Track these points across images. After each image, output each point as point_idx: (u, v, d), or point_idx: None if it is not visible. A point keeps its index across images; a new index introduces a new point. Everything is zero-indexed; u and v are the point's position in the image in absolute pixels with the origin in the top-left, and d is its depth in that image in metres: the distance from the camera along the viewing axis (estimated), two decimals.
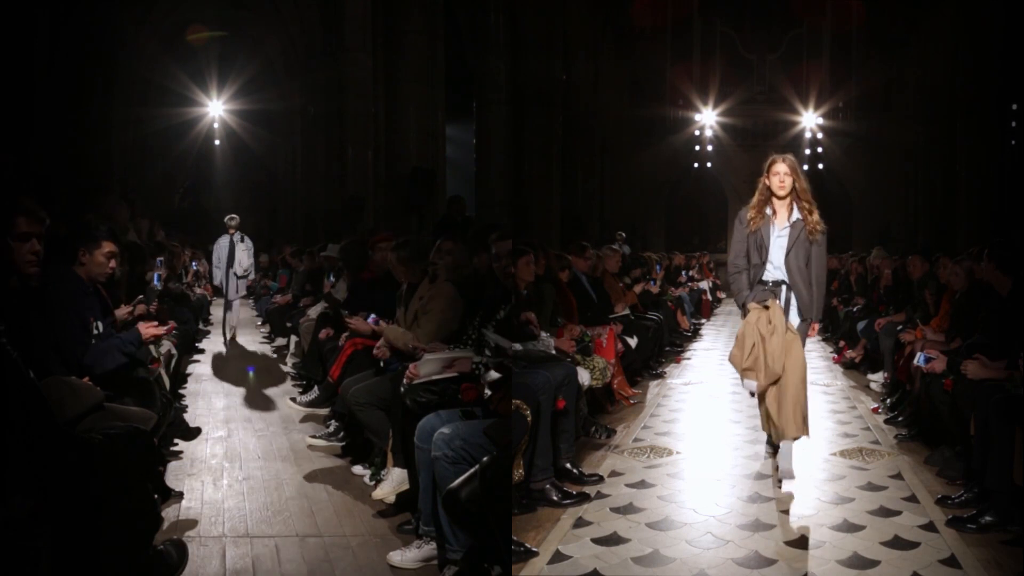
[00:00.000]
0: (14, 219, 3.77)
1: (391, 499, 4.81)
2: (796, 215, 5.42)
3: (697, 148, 19.90)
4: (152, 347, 6.27)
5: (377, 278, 6.90)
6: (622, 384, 7.49)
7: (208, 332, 11.41)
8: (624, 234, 14.93)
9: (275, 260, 13.30)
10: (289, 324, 9.87)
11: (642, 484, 5.30)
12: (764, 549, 4.24)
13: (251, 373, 9.42)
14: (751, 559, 4.14)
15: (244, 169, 15.73)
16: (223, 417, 7.32)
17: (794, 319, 5.42)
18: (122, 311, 5.46)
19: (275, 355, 10.44)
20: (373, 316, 5.79)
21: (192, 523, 4.70)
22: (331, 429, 6.33)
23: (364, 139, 12.73)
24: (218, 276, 10.84)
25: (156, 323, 5.11)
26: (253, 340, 11.55)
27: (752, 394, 5.43)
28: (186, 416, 6.85)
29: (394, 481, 4.79)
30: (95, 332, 4.68)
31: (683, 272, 15.28)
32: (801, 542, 4.35)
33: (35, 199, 3.89)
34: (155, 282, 6.95)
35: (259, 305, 12.79)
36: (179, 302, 9.28)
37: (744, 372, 5.30)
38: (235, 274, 10.67)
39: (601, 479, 5.34)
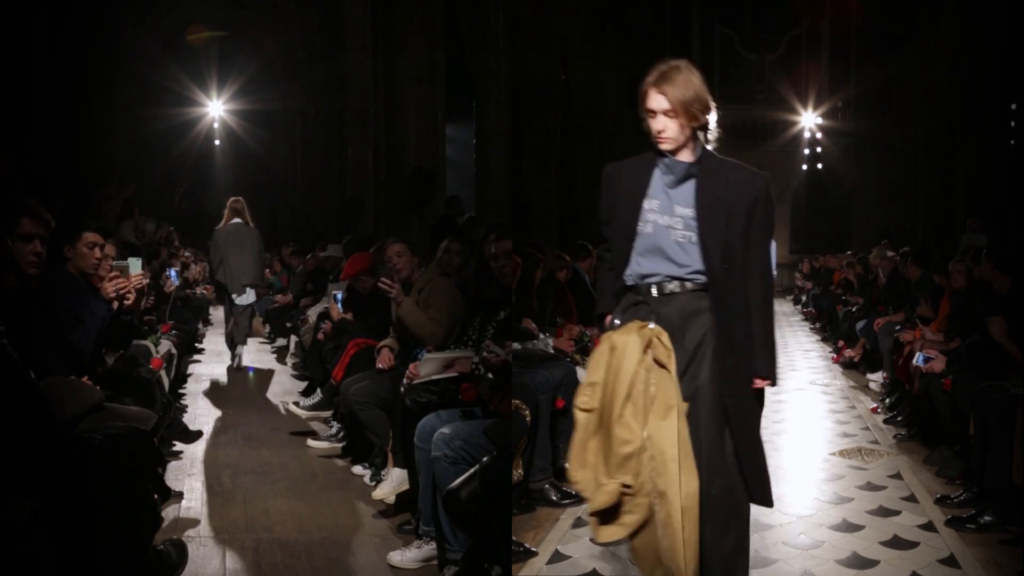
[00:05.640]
0: (18, 219, 3.78)
1: (391, 499, 4.81)
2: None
3: None
4: (151, 344, 6.29)
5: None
6: None
7: (206, 332, 11.40)
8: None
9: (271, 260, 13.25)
10: (289, 324, 9.86)
11: None
12: (765, 549, 4.24)
13: (251, 374, 9.41)
14: (751, 559, 4.12)
15: (244, 169, 15.71)
16: (223, 417, 7.32)
17: None
18: (107, 288, 4.70)
19: (275, 355, 10.43)
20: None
21: (192, 523, 4.69)
22: (334, 431, 6.33)
23: (364, 139, 12.70)
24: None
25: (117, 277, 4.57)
26: (253, 340, 11.54)
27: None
28: (186, 416, 6.85)
29: (394, 481, 4.79)
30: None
31: None
32: (801, 542, 4.36)
33: (38, 200, 3.91)
34: (173, 277, 7.01)
35: (259, 305, 12.77)
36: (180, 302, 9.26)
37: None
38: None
39: None
